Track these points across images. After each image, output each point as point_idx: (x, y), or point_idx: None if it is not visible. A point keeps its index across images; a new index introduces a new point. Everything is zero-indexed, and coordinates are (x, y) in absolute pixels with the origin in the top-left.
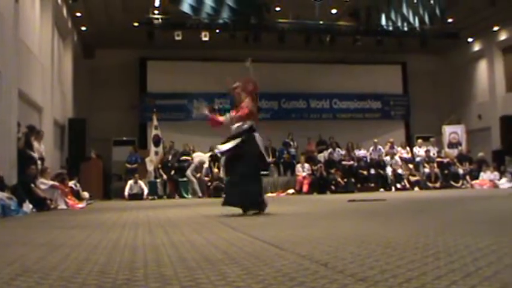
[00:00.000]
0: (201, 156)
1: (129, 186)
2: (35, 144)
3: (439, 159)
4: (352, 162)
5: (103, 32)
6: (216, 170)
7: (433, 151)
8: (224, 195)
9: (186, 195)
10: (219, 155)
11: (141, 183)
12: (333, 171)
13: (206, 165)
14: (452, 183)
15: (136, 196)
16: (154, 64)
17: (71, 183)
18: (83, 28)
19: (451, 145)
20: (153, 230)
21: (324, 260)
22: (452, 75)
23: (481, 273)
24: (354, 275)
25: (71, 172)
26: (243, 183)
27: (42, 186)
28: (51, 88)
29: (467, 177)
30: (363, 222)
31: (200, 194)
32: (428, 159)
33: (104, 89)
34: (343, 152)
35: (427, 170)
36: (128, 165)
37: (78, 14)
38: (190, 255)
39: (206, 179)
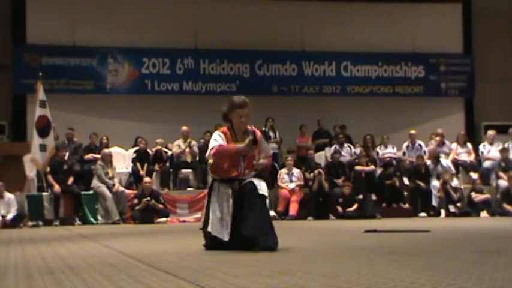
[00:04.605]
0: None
1: None
2: None
3: None
4: (372, 167)
5: None
6: (147, 179)
7: None
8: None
9: (93, 220)
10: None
11: (10, 198)
12: (340, 181)
13: (125, 169)
14: None
15: None
16: None
17: None
18: None
19: None
20: (35, 278)
21: None
22: None
23: None
24: None
25: None
26: None
27: None
28: None
29: None
30: (389, 269)
31: (117, 218)
32: (507, 165)
33: None
34: (358, 151)
35: (503, 183)
36: None
37: None
38: None
39: (128, 192)
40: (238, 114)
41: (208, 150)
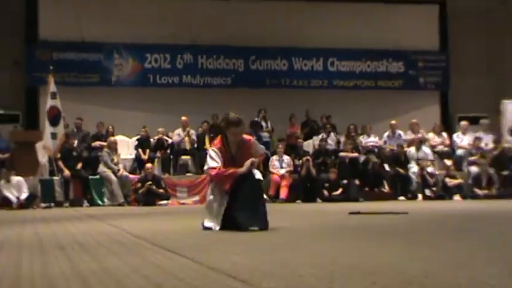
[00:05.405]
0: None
1: None
2: None
3: (495, 153)
4: (356, 154)
5: None
6: (149, 165)
7: (486, 140)
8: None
9: (100, 202)
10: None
11: (19, 181)
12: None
13: (129, 155)
14: None
15: (5, 203)
16: None
17: None
18: None
19: None
20: (48, 253)
21: None
22: None
23: None
24: None
25: None
26: None
27: None
28: None
29: None
30: (371, 246)
31: (122, 200)
32: (478, 153)
33: None
34: (343, 139)
35: (474, 169)
36: None
37: None
38: None
39: (132, 176)
40: (232, 131)
41: (206, 166)
